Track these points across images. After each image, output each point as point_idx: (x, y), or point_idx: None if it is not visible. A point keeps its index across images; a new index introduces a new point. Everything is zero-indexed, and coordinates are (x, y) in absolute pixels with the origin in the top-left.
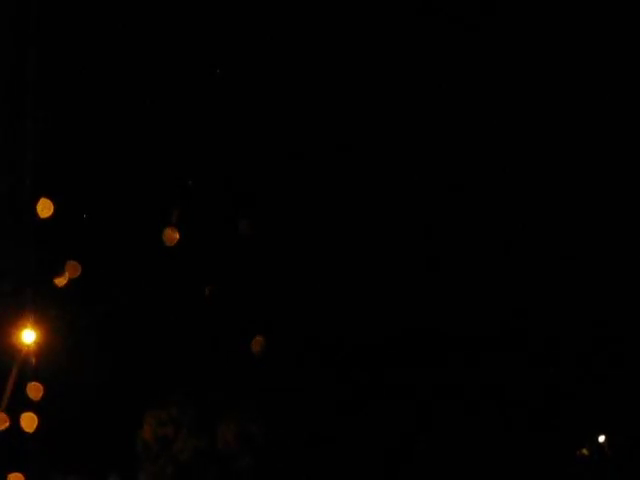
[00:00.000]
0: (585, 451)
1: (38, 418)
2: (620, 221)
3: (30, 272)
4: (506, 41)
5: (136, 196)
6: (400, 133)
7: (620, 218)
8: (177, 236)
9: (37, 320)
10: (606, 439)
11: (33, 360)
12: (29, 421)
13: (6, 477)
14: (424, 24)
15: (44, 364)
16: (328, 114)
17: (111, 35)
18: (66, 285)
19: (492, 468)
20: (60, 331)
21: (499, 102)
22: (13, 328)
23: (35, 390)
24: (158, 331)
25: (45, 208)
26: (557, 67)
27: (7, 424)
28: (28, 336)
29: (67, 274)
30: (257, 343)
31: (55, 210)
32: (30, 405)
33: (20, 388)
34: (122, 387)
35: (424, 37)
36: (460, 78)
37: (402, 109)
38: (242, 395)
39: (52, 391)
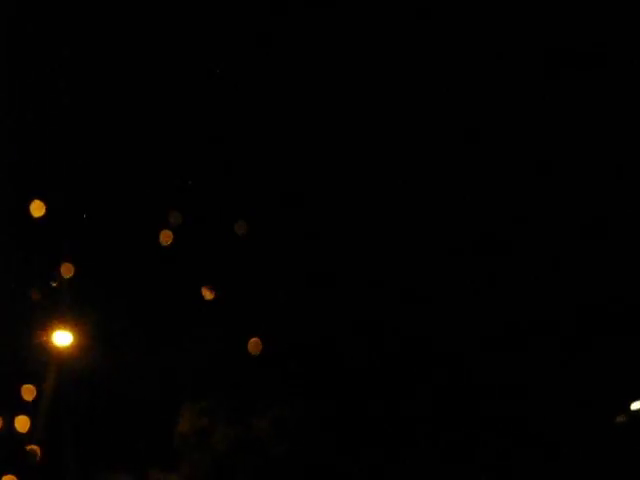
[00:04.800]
0: (621, 418)
1: (31, 420)
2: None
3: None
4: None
5: (134, 196)
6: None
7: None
8: (172, 236)
9: (70, 321)
10: None
11: (66, 361)
12: (23, 423)
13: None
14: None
15: (78, 365)
16: (326, 113)
17: (109, 33)
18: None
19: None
20: (92, 331)
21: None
22: (45, 331)
23: (28, 392)
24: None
25: (37, 208)
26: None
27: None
28: (62, 338)
29: (61, 275)
30: (253, 345)
31: (50, 210)
32: (25, 407)
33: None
34: (155, 383)
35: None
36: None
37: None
38: (273, 382)
39: (87, 391)
